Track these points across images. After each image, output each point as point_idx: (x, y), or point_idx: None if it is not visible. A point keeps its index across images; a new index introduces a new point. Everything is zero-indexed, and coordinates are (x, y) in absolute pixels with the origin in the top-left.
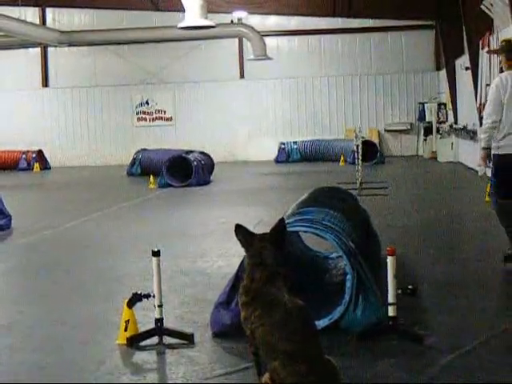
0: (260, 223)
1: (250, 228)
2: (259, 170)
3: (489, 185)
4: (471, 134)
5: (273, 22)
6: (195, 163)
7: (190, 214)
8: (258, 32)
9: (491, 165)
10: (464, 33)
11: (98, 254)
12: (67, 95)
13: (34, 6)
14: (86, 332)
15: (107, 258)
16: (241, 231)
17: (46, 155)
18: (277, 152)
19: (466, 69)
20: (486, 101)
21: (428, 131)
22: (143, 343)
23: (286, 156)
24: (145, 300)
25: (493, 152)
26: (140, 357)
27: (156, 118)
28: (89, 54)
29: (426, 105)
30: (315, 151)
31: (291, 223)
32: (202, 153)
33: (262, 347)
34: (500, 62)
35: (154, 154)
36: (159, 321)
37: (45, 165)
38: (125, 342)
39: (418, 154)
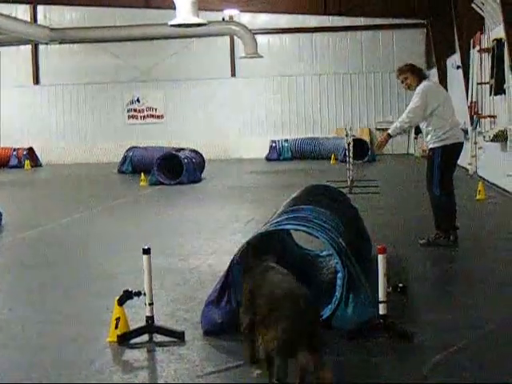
0: (251, 221)
1: (242, 226)
2: (250, 167)
3: (480, 183)
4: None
5: (264, 20)
6: (186, 161)
7: (180, 211)
8: (250, 30)
9: (437, 158)
10: (455, 31)
11: (88, 251)
12: (58, 93)
13: (24, 3)
14: (76, 329)
15: (98, 255)
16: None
17: (37, 152)
18: (268, 150)
19: (457, 67)
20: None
21: (419, 130)
22: (134, 341)
23: (277, 154)
24: (135, 298)
25: (438, 145)
26: (130, 355)
27: (147, 115)
28: (80, 52)
29: None
30: (306, 149)
31: (282, 221)
32: (193, 150)
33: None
34: (402, 82)
35: (145, 152)
36: (150, 319)
37: (36, 162)
38: (115, 339)
39: (409, 152)
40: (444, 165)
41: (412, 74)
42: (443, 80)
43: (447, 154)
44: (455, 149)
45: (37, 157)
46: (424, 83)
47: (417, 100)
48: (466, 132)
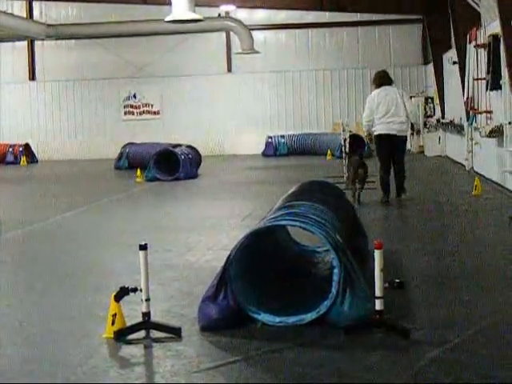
0: (248, 217)
1: (239, 221)
2: (247, 163)
3: (476, 179)
4: (458, 128)
5: (260, 15)
6: (182, 157)
7: (177, 207)
8: (246, 26)
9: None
10: (451, 27)
11: (85, 247)
12: (54, 89)
13: None
14: (73, 326)
15: (94, 251)
16: None
17: (33, 149)
18: (264, 146)
19: (454, 63)
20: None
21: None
22: (130, 337)
23: (273, 150)
24: (132, 294)
25: (375, 133)
26: (127, 350)
27: (143, 111)
28: (76, 48)
29: (413, 99)
30: (302, 145)
31: (279, 217)
32: (190, 146)
33: None
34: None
35: (142, 148)
36: (146, 315)
37: (32, 158)
38: (112, 335)
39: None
40: (376, 149)
41: (374, 82)
42: (440, 75)
43: (376, 142)
44: (381, 138)
45: (33, 153)
46: (372, 93)
47: (365, 108)
48: (461, 127)
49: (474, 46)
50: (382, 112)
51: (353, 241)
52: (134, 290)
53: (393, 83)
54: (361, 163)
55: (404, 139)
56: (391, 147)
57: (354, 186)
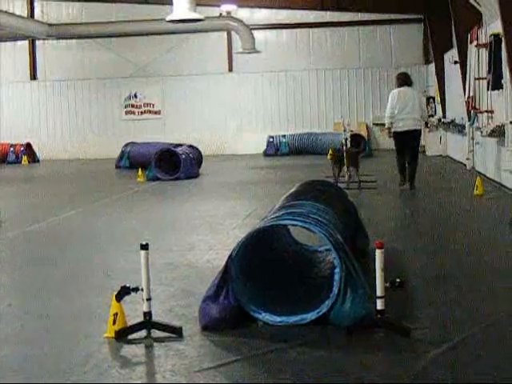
0: (249, 216)
1: (240, 221)
2: (248, 163)
3: (477, 178)
4: (459, 128)
5: (261, 15)
6: (183, 156)
7: (178, 207)
8: (247, 25)
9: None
10: (453, 26)
11: (86, 247)
12: (55, 88)
13: None
14: (74, 325)
15: (95, 251)
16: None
17: (35, 148)
18: (265, 145)
19: (455, 62)
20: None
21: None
22: (131, 336)
23: (274, 149)
24: (133, 293)
25: (393, 130)
26: (128, 350)
27: (144, 111)
28: (77, 47)
29: None
30: (304, 144)
31: (280, 217)
32: (191, 146)
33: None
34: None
35: (143, 147)
36: (148, 314)
37: (33, 158)
38: (113, 335)
39: None
40: (394, 143)
41: (397, 82)
42: (441, 75)
43: (394, 137)
44: (397, 134)
45: (34, 152)
46: (393, 91)
47: (387, 104)
48: (463, 127)
49: (476, 46)
50: (399, 109)
51: (354, 240)
52: (136, 289)
53: (412, 84)
54: (352, 152)
55: (418, 133)
56: (406, 140)
57: (348, 172)
